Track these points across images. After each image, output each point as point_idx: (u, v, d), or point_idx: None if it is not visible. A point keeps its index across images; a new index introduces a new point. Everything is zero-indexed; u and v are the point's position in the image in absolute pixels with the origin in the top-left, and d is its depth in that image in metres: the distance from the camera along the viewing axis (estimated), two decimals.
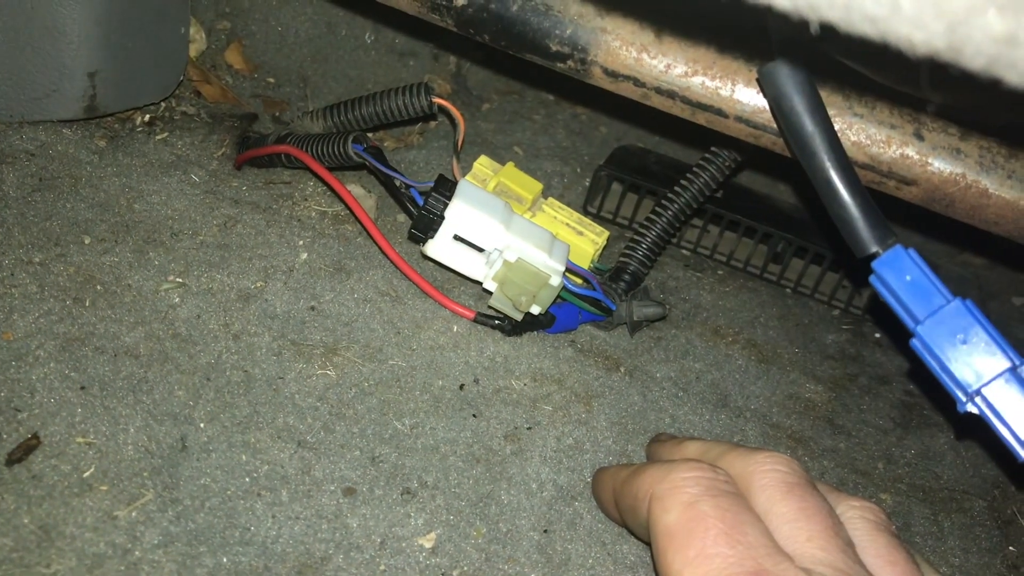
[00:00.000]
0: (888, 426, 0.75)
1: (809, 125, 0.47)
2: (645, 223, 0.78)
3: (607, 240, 0.77)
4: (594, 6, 0.56)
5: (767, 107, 0.54)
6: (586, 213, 0.89)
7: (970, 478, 0.72)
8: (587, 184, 0.92)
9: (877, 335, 0.85)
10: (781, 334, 0.81)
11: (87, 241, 0.67)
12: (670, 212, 0.77)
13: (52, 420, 0.55)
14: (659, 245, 0.78)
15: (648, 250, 0.77)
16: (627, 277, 0.76)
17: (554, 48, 0.57)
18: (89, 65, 0.73)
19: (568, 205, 0.77)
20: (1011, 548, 0.67)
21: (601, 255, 0.79)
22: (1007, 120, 0.49)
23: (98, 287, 0.64)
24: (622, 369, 0.72)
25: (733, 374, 0.75)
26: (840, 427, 0.73)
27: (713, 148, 0.78)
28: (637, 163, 0.91)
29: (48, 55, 0.71)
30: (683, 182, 0.78)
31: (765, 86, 0.48)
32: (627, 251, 0.77)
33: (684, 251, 0.89)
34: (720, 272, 0.87)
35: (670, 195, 0.78)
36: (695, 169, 0.78)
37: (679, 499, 0.44)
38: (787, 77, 0.47)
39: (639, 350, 0.74)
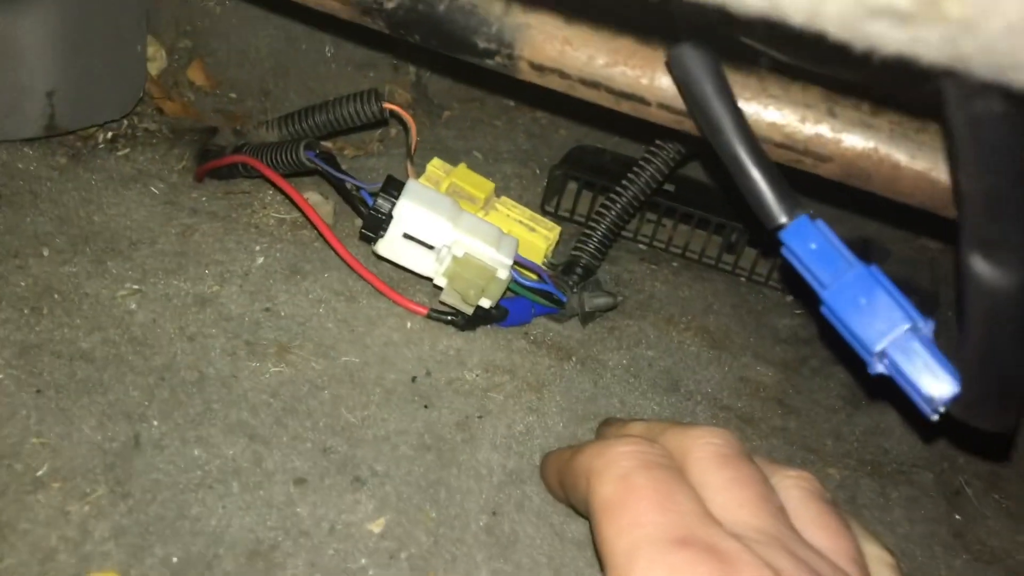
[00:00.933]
0: (837, 405, 0.76)
1: (715, 104, 0.49)
2: (595, 217, 0.80)
3: (559, 236, 0.79)
4: (517, 3, 0.58)
5: None
6: (544, 212, 0.90)
7: (919, 452, 0.74)
8: (545, 185, 0.94)
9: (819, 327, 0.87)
10: (734, 320, 0.83)
11: (46, 253, 0.69)
12: (619, 205, 0.79)
13: (7, 423, 0.57)
14: (609, 237, 0.79)
15: (599, 243, 0.79)
16: (579, 270, 0.78)
17: (482, 45, 0.60)
18: (46, 84, 0.75)
19: (527, 205, 0.79)
20: (957, 517, 0.69)
21: (556, 251, 0.81)
22: (855, 77, 0.51)
23: (56, 296, 0.66)
24: (574, 358, 0.73)
25: (685, 360, 0.77)
26: (790, 407, 0.75)
27: (657, 141, 0.80)
28: (592, 161, 0.93)
29: (5, 76, 0.73)
30: (630, 175, 0.80)
31: (673, 70, 0.50)
32: (578, 245, 0.79)
33: (640, 245, 0.90)
34: (675, 264, 0.89)
35: (618, 188, 0.80)
36: (641, 162, 0.80)
37: (614, 472, 0.46)
38: (692, 60, 0.49)
39: (592, 340, 0.76)
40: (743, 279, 0.89)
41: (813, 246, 0.48)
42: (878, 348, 0.46)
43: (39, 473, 0.54)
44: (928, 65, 0.27)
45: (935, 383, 0.46)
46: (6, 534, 0.51)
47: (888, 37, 0.26)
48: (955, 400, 0.46)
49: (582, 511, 0.55)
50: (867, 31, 0.27)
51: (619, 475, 0.45)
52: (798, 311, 0.86)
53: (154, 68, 0.91)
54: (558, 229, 0.79)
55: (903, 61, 0.28)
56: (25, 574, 0.49)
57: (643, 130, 0.75)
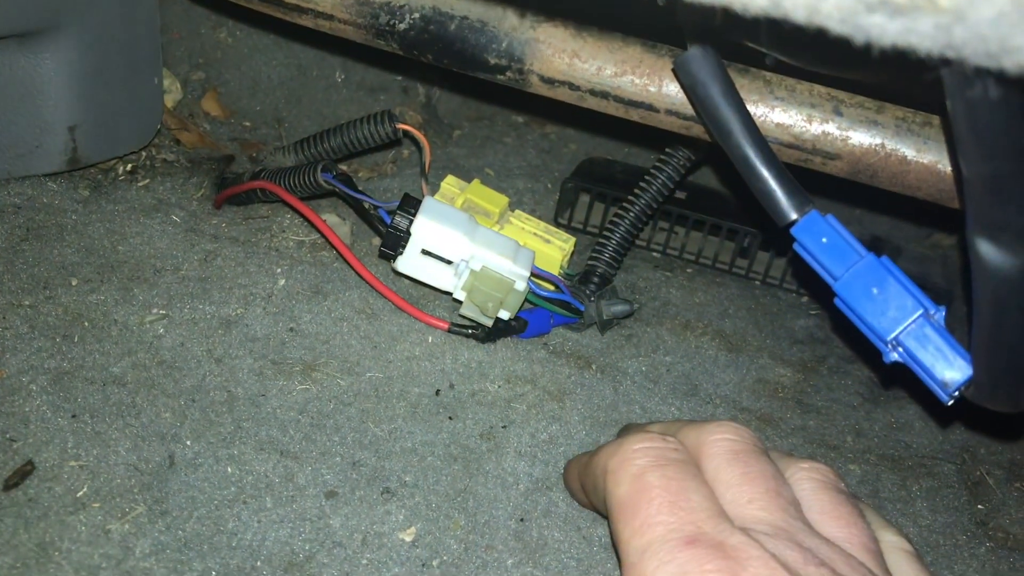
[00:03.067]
0: (856, 402, 0.77)
1: (723, 107, 0.50)
2: (609, 226, 0.81)
3: (574, 246, 0.80)
4: (526, 19, 0.60)
5: None
6: (557, 225, 0.92)
7: (939, 445, 0.74)
8: (557, 199, 0.95)
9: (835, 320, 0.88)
10: (750, 324, 0.84)
11: (74, 283, 0.70)
12: (632, 213, 0.81)
13: (45, 447, 0.58)
14: (624, 246, 0.81)
15: (614, 251, 0.80)
16: (596, 279, 0.79)
17: (492, 61, 0.61)
18: (68, 120, 0.77)
19: (540, 219, 0.81)
20: (980, 506, 0.69)
21: (571, 261, 0.82)
22: (857, 74, 0.53)
23: (86, 324, 0.67)
24: (594, 366, 0.75)
25: (703, 364, 0.78)
26: (809, 406, 0.76)
27: (668, 149, 0.81)
28: (603, 173, 0.95)
29: (28, 113, 0.75)
30: (642, 184, 0.81)
31: (680, 76, 0.52)
32: (594, 254, 0.81)
33: (654, 254, 0.92)
34: (689, 271, 0.90)
35: (631, 197, 0.81)
36: (652, 170, 0.81)
37: (628, 471, 0.46)
38: (699, 65, 0.50)
39: (610, 348, 0.77)
40: (757, 282, 0.90)
41: (824, 240, 0.49)
42: (891, 336, 0.47)
43: (79, 494, 0.56)
44: (924, 55, 0.29)
45: (949, 368, 0.47)
46: (51, 554, 0.52)
47: (885, 29, 0.28)
48: (969, 383, 0.47)
49: (603, 512, 0.56)
50: (864, 24, 0.28)
51: (633, 474, 0.46)
52: (813, 311, 0.87)
53: (170, 100, 0.93)
54: (573, 240, 0.80)
55: (900, 52, 0.29)
56: None
57: (652, 140, 0.76)
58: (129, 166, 0.86)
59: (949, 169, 0.56)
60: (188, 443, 0.61)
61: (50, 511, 0.54)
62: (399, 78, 1.05)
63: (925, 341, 0.47)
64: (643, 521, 0.43)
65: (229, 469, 0.60)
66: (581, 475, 0.56)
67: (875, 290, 0.47)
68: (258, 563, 0.55)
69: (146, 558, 0.53)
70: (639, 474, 0.46)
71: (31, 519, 0.54)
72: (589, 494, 0.54)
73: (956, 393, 0.47)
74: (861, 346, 0.83)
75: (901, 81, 0.51)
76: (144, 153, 0.88)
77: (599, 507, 0.54)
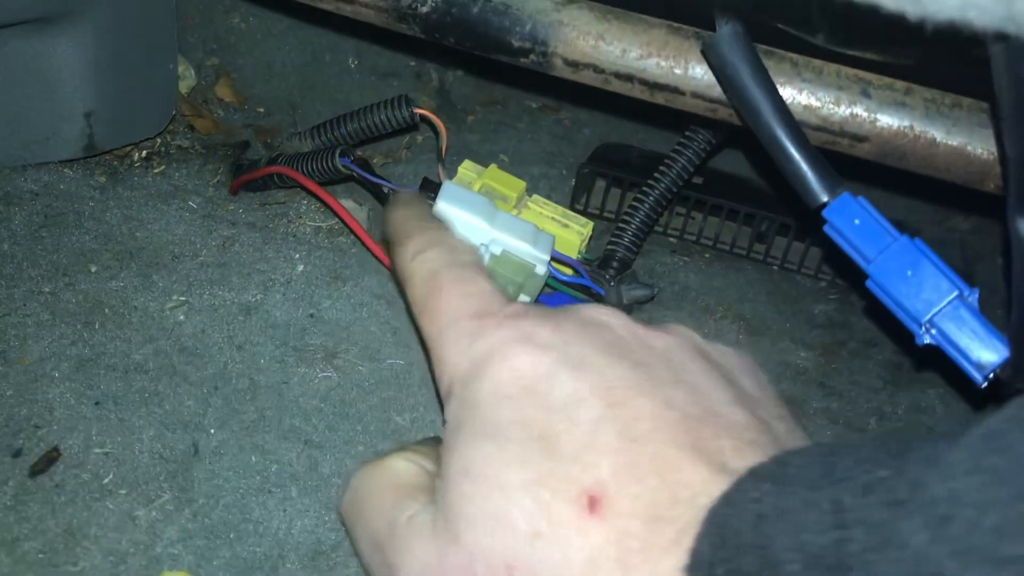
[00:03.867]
0: (878, 385, 0.77)
1: (753, 88, 0.50)
2: (629, 210, 0.81)
3: (592, 230, 0.80)
4: (550, 1, 0.59)
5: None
6: (573, 211, 0.91)
7: (961, 428, 0.74)
8: (573, 184, 0.95)
9: (865, 302, 0.87)
10: (770, 308, 0.84)
11: (93, 269, 0.70)
12: (652, 197, 0.80)
13: (70, 434, 0.58)
14: (644, 230, 0.80)
15: (634, 235, 0.80)
16: (615, 264, 0.79)
17: (516, 44, 0.61)
18: (84, 106, 0.77)
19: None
20: None
21: (589, 247, 0.81)
22: (910, 55, 0.52)
23: (106, 311, 0.67)
24: None
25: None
26: (831, 389, 0.76)
27: (687, 132, 0.80)
28: (619, 158, 0.94)
29: (45, 100, 0.75)
30: (662, 167, 0.81)
31: (710, 57, 0.51)
32: (613, 239, 0.80)
33: (671, 239, 0.91)
34: (707, 255, 0.90)
35: (651, 181, 0.81)
36: (672, 153, 0.81)
37: (421, 276, 0.48)
38: (728, 46, 0.50)
39: None
40: (775, 267, 0.89)
41: (857, 222, 0.48)
42: (926, 318, 0.47)
43: (105, 481, 0.56)
44: (980, 29, 0.28)
45: (984, 349, 0.47)
46: (79, 539, 0.52)
47: (943, 3, 0.27)
48: (1005, 365, 0.46)
49: None
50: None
51: (425, 278, 0.47)
52: (832, 296, 0.87)
53: (184, 86, 0.93)
54: (591, 224, 0.79)
55: (954, 27, 0.29)
56: None
57: (668, 124, 0.76)
58: (144, 153, 0.85)
59: (979, 151, 0.56)
60: (212, 431, 0.61)
61: (77, 497, 0.54)
62: (412, 63, 1.05)
63: (960, 323, 0.46)
64: (437, 310, 0.45)
65: (253, 458, 0.60)
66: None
67: (909, 272, 0.47)
68: (285, 551, 0.54)
69: (173, 545, 0.53)
70: (431, 275, 0.47)
71: (58, 505, 0.54)
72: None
73: (991, 375, 0.47)
74: (883, 330, 0.83)
75: (941, 60, 0.51)
76: (159, 140, 0.87)
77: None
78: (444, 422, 0.42)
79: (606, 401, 0.38)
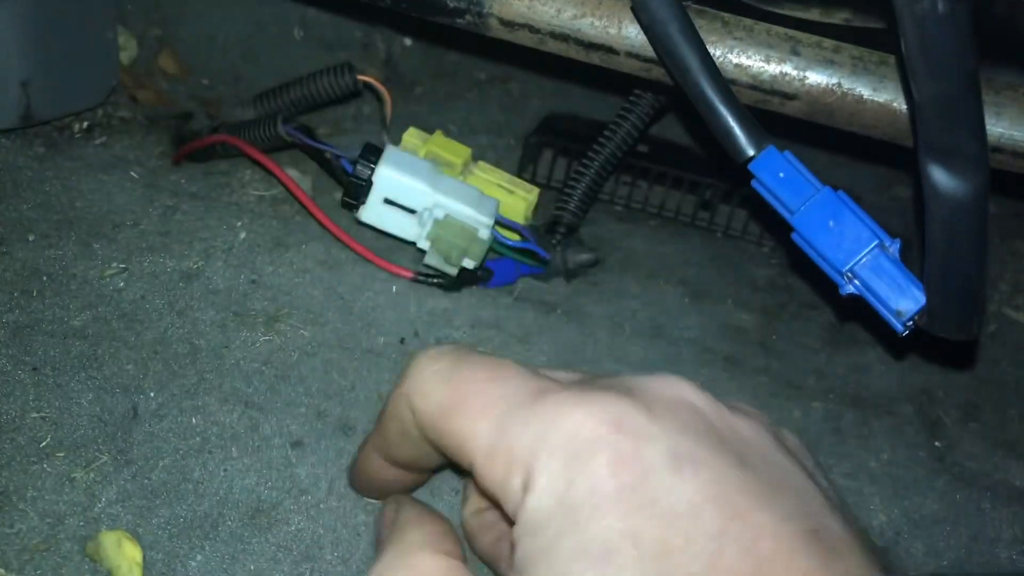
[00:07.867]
0: (817, 345, 0.78)
1: (681, 45, 0.50)
2: (575, 175, 0.81)
3: (539, 197, 0.80)
4: None
5: None
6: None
7: (898, 387, 0.76)
8: (520, 155, 0.95)
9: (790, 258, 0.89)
10: (713, 272, 0.85)
11: (31, 238, 0.70)
12: (597, 162, 0.81)
13: (6, 400, 0.58)
14: (590, 195, 0.81)
15: (580, 200, 0.80)
16: (562, 228, 0.79)
17: (452, 5, 0.61)
18: (20, 75, 0.76)
19: None
20: (936, 443, 0.71)
21: (535, 215, 0.82)
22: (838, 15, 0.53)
23: (44, 278, 0.67)
24: (559, 311, 0.75)
25: (668, 310, 0.78)
26: (772, 349, 0.77)
27: (631, 96, 0.81)
28: (567, 128, 0.95)
29: None
30: (607, 132, 0.81)
31: (639, 15, 0.52)
32: (559, 203, 0.81)
33: (617, 208, 0.92)
34: (653, 223, 0.91)
35: (595, 145, 0.81)
36: (616, 118, 0.81)
37: (433, 382, 0.40)
38: (657, 3, 0.50)
39: (576, 294, 0.78)
40: (719, 234, 0.91)
41: (781, 175, 0.49)
42: (847, 267, 0.48)
43: (42, 444, 0.55)
44: None
45: (903, 297, 0.48)
46: (15, 501, 0.52)
47: None
48: (922, 312, 0.48)
49: (422, 468, 0.47)
50: None
51: (441, 378, 0.40)
52: (774, 261, 0.88)
53: (125, 57, 0.91)
54: (537, 190, 0.80)
55: None
56: (36, 537, 0.50)
57: (616, 93, 0.76)
58: (85, 124, 0.84)
59: (904, 107, 0.57)
60: (151, 394, 0.60)
61: (13, 460, 0.54)
62: (359, 34, 1.04)
63: (880, 271, 0.47)
64: (478, 407, 0.37)
65: (194, 420, 0.60)
66: (373, 445, 0.47)
67: (831, 223, 0.48)
68: (225, 510, 0.55)
69: (112, 505, 0.53)
70: (447, 374, 0.40)
71: None
72: (396, 452, 0.46)
73: (910, 322, 0.48)
74: (821, 293, 0.84)
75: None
76: (100, 111, 0.86)
77: (416, 458, 0.45)
78: (513, 522, 0.35)
79: (725, 513, 0.33)
